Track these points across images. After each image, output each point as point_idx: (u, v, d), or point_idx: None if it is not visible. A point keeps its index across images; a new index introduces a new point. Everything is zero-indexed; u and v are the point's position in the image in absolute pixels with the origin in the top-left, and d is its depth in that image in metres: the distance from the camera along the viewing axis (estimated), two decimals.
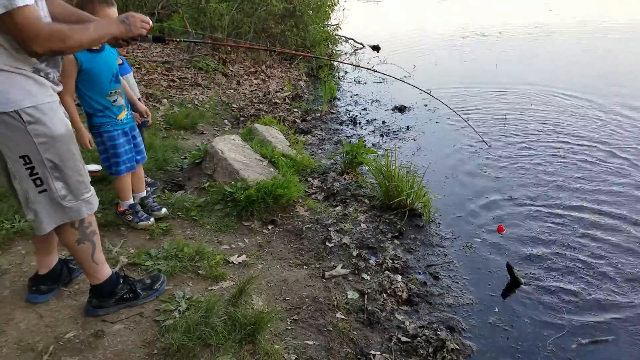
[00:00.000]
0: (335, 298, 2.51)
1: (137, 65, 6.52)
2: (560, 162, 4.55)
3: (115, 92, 2.64)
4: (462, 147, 4.97)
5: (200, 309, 2.11)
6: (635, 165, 4.39)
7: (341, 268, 2.79)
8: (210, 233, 3.00)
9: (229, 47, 7.67)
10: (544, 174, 4.30)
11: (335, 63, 9.34)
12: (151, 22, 1.92)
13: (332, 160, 4.56)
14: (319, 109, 6.42)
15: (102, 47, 2.56)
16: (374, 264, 2.89)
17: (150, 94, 5.71)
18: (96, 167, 3.43)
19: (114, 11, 2.44)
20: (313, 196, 3.75)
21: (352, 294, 2.58)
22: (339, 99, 7.13)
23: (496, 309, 2.61)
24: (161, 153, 4.01)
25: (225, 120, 5.69)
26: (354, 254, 2.96)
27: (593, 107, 6.16)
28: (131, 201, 2.92)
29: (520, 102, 6.52)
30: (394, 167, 3.63)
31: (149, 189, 3.26)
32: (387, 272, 2.81)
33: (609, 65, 8.37)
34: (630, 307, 2.62)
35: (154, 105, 5.45)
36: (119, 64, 2.96)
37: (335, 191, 3.80)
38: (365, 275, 2.76)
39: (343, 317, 2.39)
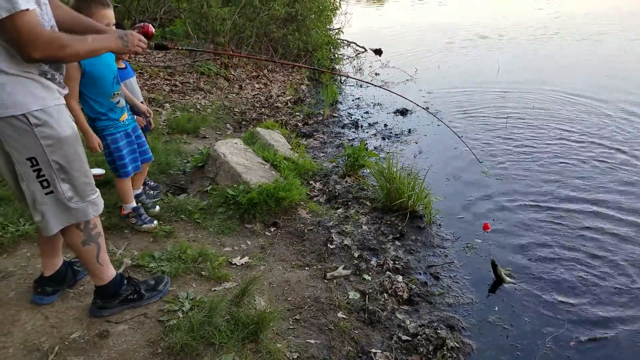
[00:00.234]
0: (337, 298, 2.54)
1: (140, 70, 6.59)
2: (562, 163, 4.56)
3: (117, 94, 2.68)
4: (464, 150, 4.99)
5: (204, 309, 2.15)
6: None
7: (342, 269, 2.82)
8: (213, 235, 3.04)
9: (230, 52, 7.73)
10: (546, 175, 4.31)
11: (337, 67, 9.39)
12: (148, 37, 1.98)
13: (334, 163, 4.59)
14: (321, 112, 6.46)
15: None
16: (375, 265, 2.92)
17: (152, 99, 5.77)
18: (100, 171, 3.47)
19: (110, 13, 2.42)
20: (315, 199, 3.79)
21: (353, 294, 2.60)
22: (340, 103, 7.17)
23: (496, 308, 2.63)
24: (164, 157, 4.05)
25: (228, 125, 5.74)
26: (356, 255, 2.98)
27: (597, 107, 6.17)
28: (134, 204, 2.96)
29: (522, 103, 6.54)
30: (395, 169, 3.66)
31: (146, 188, 3.35)
32: (388, 272, 2.84)
33: (612, 66, 8.36)
34: (630, 306, 2.63)
35: (157, 110, 5.50)
36: (123, 68, 3.01)
37: (337, 194, 3.83)
38: (366, 276, 2.79)
39: (344, 316, 2.42)
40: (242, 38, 8.13)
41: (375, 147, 5.17)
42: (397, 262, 2.95)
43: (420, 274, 2.91)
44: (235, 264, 2.74)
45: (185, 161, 4.17)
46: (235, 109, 6.28)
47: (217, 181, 3.60)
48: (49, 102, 1.67)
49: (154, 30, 2.18)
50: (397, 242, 3.21)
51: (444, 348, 2.24)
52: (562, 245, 3.23)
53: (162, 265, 2.55)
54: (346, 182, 4.07)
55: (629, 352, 2.33)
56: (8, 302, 2.21)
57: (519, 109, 6.30)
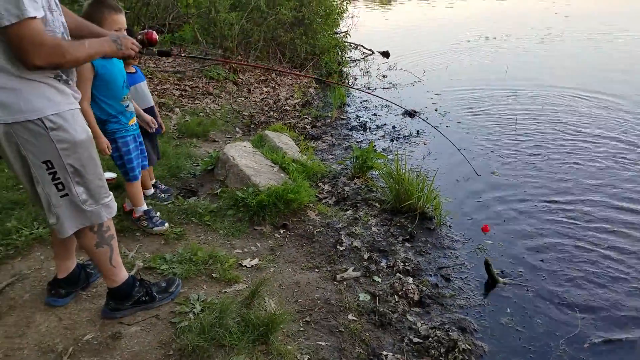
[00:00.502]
0: (347, 300, 2.53)
1: (150, 76, 6.66)
2: (573, 162, 4.52)
3: (127, 98, 2.71)
4: (473, 151, 4.97)
5: (215, 310, 2.16)
6: None
7: (352, 271, 2.82)
8: (223, 237, 3.06)
9: (239, 56, 7.78)
10: (557, 174, 4.28)
11: (344, 69, 9.41)
12: (152, 44, 2.10)
13: (343, 165, 4.60)
14: (329, 115, 6.48)
15: None
16: (385, 267, 2.91)
17: (162, 104, 5.82)
18: (112, 175, 3.51)
19: (122, 18, 2.45)
20: (324, 201, 3.79)
21: (363, 296, 2.60)
22: (348, 105, 7.18)
23: (508, 310, 2.61)
24: (174, 161, 4.09)
25: (237, 128, 5.77)
26: (365, 257, 2.98)
27: (610, 104, 6.12)
28: (145, 207, 2.99)
29: (532, 102, 6.50)
30: (404, 171, 3.65)
31: (157, 191, 3.42)
32: (398, 274, 2.83)
33: (626, 62, 8.28)
34: None
35: (167, 114, 5.56)
36: (133, 73, 3.04)
37: (345, 195, 3.83)
38: (376, 278, 2.79)
39: (355, 318, 2.41)
40: (249, 42, 8.18)
41: (383, 149, 5.16)
42: (407, 264, 2.95)
43: (430, 275, 2.90)
44: (245, 265, 2.75)
45: (195, 164, 4.21)
46: (244, 113, 6.32)
47: (226, 184, 3.62)
48: (64, 106, 1.70)
49: (157, 37, 2.21)
50: (407, 244, 3.20)
51: (456, 350, 2.22)
52: (574, 246, 3.20)
53: (173, 268, 2.57)
54: (355, 183, 4.07)
55: None
56: (23, 304, 2.24)
57: (528, 108, 6.26)
